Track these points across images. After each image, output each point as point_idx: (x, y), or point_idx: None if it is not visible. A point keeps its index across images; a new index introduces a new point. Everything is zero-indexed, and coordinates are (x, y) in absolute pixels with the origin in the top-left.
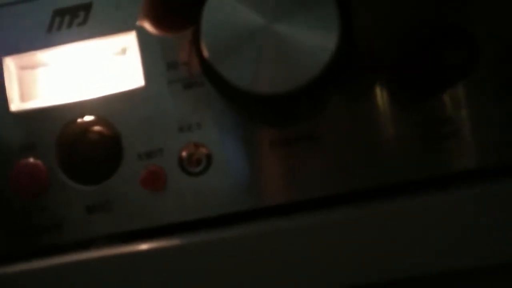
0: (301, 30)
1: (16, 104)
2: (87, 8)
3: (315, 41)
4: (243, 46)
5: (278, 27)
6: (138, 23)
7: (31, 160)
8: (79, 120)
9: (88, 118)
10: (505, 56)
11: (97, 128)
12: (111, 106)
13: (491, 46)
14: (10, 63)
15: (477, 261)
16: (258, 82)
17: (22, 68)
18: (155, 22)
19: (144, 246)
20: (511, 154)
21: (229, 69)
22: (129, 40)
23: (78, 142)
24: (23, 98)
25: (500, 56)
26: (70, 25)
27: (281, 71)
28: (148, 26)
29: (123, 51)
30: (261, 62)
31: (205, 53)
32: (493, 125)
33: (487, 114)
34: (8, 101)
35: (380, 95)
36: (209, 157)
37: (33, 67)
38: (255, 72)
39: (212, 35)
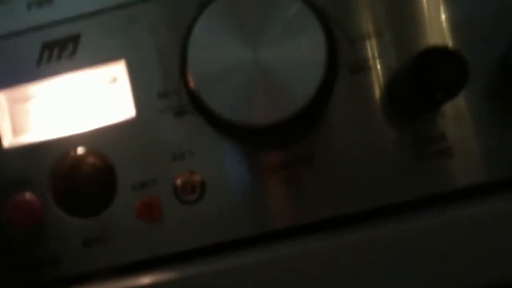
0: (288, 59)
1: (8, 139)
2: (75, 39)
3: (303, 69)
4: (230, 78)
5: (265, 57)
6: None
7: (26, 195)
8: (71, 152)
9: (81, 150)
10: (498, 74)
11: (90, 160)
12: (103, 137)
13: (483, 64)
14: (1, 98)
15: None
16: (247, 113)
17: (14, 102)
18: None
19: (144, 280)
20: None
21: (217, 101)
22: (118, 70)
23: (72, 175)
24: (15, 132)
25: (493, 74)
26: (59, 57)
27: (271, 101)
28: None
29: (114, 80)
30: (249, 93)
31: (192, 84)
32: (489, 141)
33: (483, 131)
34: (1, 136)
35: (374, 114)
36: (203, 184)
37: (24, 100)
38: (244, 104)
39: (198, 67)
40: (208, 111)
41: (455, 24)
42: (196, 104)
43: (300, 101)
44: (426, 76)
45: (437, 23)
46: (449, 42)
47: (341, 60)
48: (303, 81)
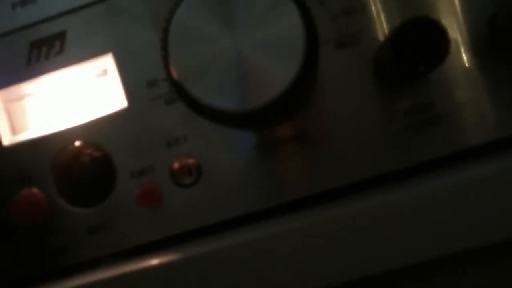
0: (268, 44)
1: (7, 138)
2: (62, 36)
3: (282, 52)
4: (212, 66)
5: (244, 44)
6: None
7: (30, 190)
8: (70, 146)
9: (78, 143)
10: (486, 36)
11: (88, 151)
12: (98, 129)
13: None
14: None
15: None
16: (230, 100)
17: (9, 101)
18: None
19: (149, 263)
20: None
21: (200, 90)
22: (107, 63)
23: (72, 167)
24: (13, 130)
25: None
26: (48, 55)
27: (253, 87)
28: None
29: (104, 72)
30: (231, 80)
31: (175, 76)
32: (478, 105)
33: (471, 96)
34: (0, 136)
35: (363, 87)
36: (199, 167)
37: (19, 99)
38: (227, 91)
39: (180, 58)
40: (192, 100)
41: None
42: (181, 94)
43: (281, 84)
44: (406, 49)
45: None
46: (434, 10)
47: (325, 37)
48: (283, 65)
